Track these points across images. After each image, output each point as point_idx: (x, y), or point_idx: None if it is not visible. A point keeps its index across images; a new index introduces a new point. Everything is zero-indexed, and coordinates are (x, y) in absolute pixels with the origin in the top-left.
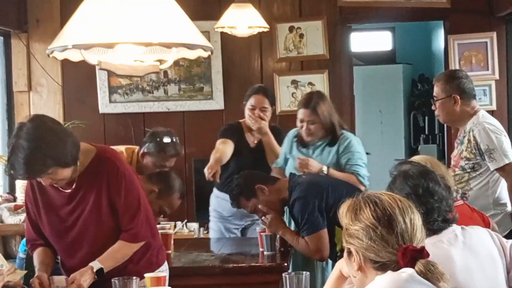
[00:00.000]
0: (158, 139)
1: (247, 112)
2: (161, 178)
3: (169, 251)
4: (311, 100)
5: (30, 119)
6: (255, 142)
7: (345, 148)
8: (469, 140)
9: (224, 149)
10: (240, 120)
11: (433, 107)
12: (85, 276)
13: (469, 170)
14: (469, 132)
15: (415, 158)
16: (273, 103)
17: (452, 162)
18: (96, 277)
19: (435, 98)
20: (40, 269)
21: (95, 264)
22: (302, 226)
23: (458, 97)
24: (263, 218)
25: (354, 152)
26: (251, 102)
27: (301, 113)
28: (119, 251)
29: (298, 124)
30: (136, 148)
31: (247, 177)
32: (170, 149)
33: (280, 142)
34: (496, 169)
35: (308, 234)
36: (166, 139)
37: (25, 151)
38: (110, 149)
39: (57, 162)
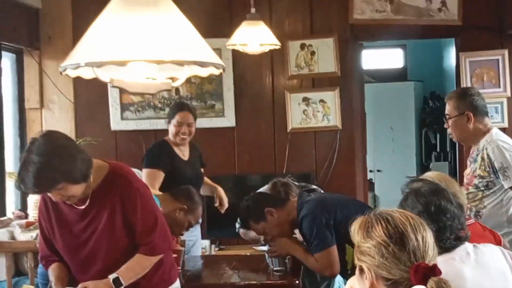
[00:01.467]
0: (192, 196)
1: (173, 129)
2: (187, 195)
3: (180, 268)
4: None
5: (43, 135)
6: (186, 155)
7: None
8: (482, 158)
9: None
10: (165, 138)
11: (445, 125)
12: (98, 285)
13: (482, 188)
14: (483, 150)
15: (428, 175)
16: (196, 118)
17: (465, 181)
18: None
19: (447, 116)
20: (57, 283)
21: (112, 275)
22: (311, 242)
23: (471, 115)
24: (270, 245)
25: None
26: (177, 119)
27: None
28: (139, 264)
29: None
30: None
31: (256, 199)
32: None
33: (197, 158)
34: (511, 187)
35: (317, 251)
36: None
37: (35, 166)
38: (123, 165)
39: (66, 178)
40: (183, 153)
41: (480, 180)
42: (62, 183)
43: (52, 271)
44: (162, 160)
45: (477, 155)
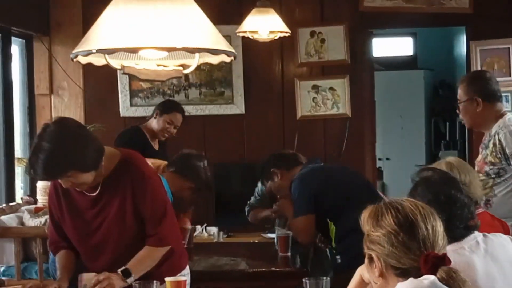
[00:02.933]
0: (188, 163)
1: (161, 124)
2: (195, 174)
3: (191, 246)
4: None
5: (54, 121)
6: (156, 145)
7: None
8: (494, 144)
9: None
10: (140, 126)
11: (457, 111)
12: (117, 278)
13: (493, 176)
14: (494, 136)
15: (450, 159)
16: None
17: (476, 168)
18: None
19: (458, 101)
20: (62, 273)
21: (121, 268)
22: (294, 206)
23: (480, 100)
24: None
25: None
26: (171, 117)
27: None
28: (148, 256)
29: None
30: (162, 164)
31: (269, 159)
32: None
33: (164, 151)
34: None
35: (295, 215)
36: (198, 164)
37: (45, 153)
38: (135, 153)
39: (76, 166)
40: (155, 143)
41: (491, 167)
42: (72, 171)
43: (59, 260)
44: (133, 147)
45: (489, 141)
